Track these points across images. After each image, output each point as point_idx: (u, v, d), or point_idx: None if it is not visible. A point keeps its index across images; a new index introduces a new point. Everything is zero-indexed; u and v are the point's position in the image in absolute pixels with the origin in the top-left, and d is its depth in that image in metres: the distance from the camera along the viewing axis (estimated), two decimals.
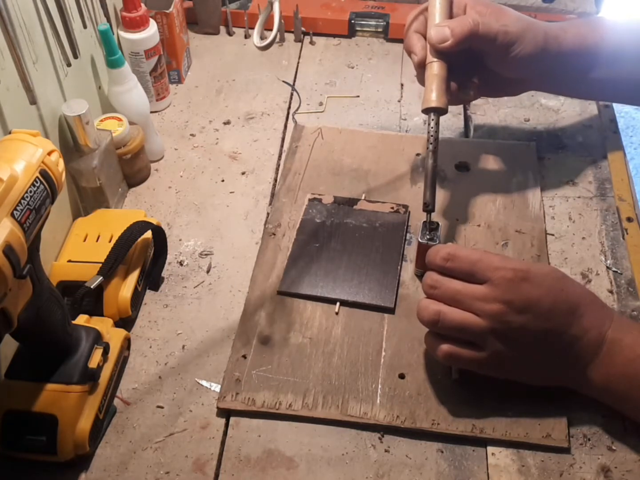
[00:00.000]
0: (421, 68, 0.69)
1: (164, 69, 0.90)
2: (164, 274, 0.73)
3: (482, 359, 0.58)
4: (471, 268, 0.58)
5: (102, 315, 0.66)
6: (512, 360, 0.58)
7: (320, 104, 0.94)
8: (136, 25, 0.84)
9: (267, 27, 0.84)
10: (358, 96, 0.95)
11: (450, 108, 0.69)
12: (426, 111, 0.67)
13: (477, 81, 0.71)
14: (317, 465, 0.59)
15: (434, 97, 0.66)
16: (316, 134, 0.88)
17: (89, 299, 0.65)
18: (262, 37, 0.80)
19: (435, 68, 0.67)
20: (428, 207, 0.66)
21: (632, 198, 0.79)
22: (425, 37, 0.69)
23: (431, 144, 0.66)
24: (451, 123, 0.90)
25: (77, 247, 0.70)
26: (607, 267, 0.72)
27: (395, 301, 0.69)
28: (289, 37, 1.05)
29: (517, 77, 0.73)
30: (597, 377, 0.57)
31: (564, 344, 0.57)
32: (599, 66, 0.71)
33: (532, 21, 0.69)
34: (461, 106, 0.92)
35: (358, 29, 1.05)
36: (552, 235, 0.76)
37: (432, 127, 0.66)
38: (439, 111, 0.66)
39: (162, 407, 0.62)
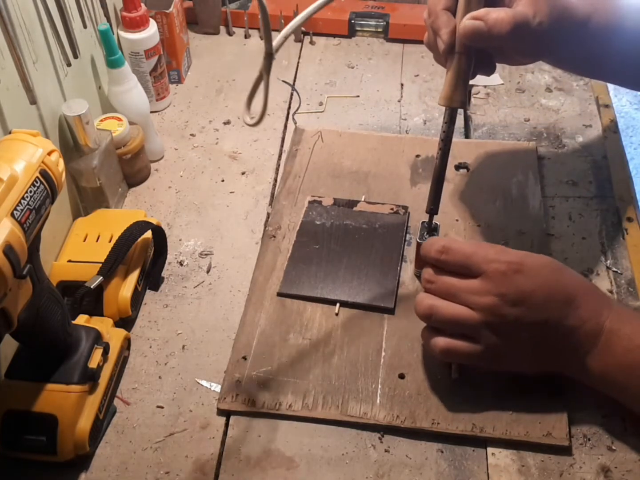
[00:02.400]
0: (445, 54, 0.60)
1: (164, 69, 0.90)
2: (164, 274, 0.73)
3: (478, 353, 0.58)
4: (465, 261, 0.58)
5: (102, 315, 0.66)
6: (508, 353, 0.58)
7: (320, 104, 0.94)
8: (136, 25, 0.84)
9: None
10: (358, 96, 0.95)
11: None
12: (444, 106, 0.61)
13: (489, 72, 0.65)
14: (317, 465, 0.59)
15: (457, 97, 0.60)
16: (316, 137, 0.87)
17: (89, 299, 0.65)
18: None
19: (462, 61, 0.59)
20: (432, 210, 0.64)
21: (632, 198, 0.79)
22: (454, 14, 0.60)
23: (445, 145, 0.62)
24: None
25: (77, 247, 0.70)
26: (607, 267, 0.72)
27: (395, 302, 0.69)
28: (289, 37, 1.05)
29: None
30: (596, 367, 0.57)
31: (561, 334, 0.57)
32: (610, 45, 0.65)
33: (563, 15, 0.61)
34: None
35: (358, 29, 1.05)
36: (552, 235, 0.76)
37: (446, 127, 0.61)
38: (457, 108, 0.61)
39: (162, 407, 0.62)
